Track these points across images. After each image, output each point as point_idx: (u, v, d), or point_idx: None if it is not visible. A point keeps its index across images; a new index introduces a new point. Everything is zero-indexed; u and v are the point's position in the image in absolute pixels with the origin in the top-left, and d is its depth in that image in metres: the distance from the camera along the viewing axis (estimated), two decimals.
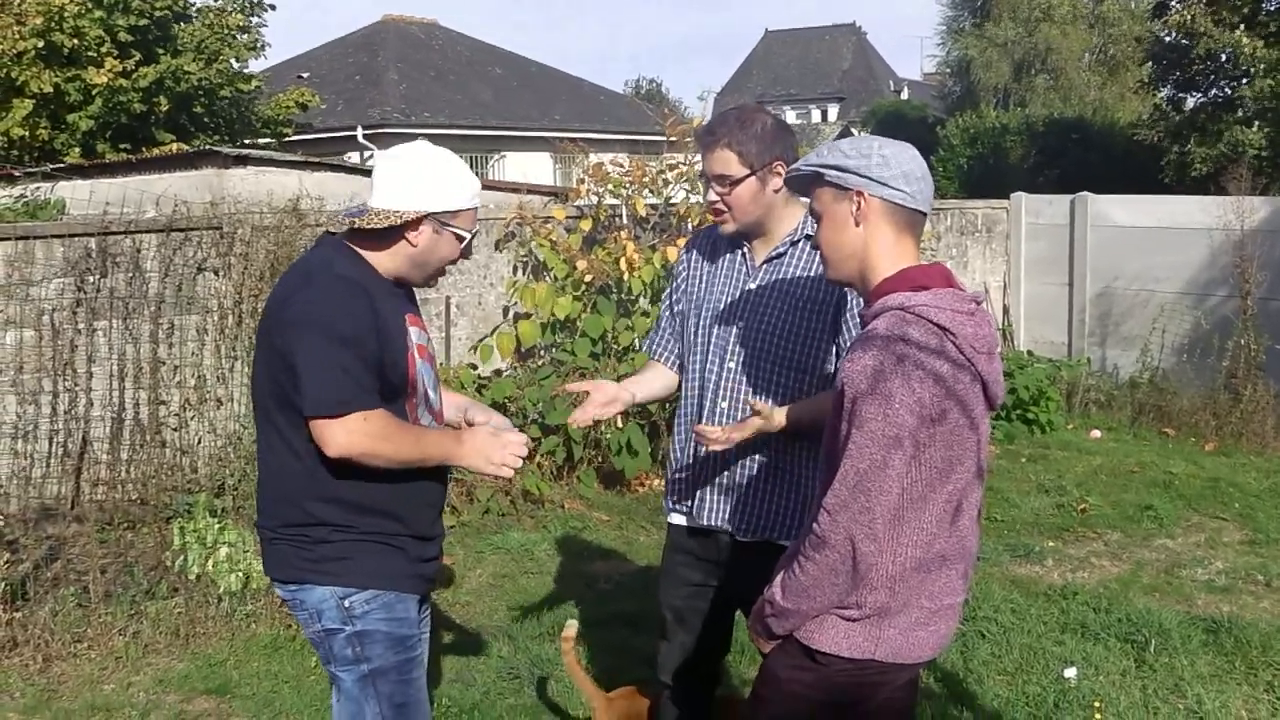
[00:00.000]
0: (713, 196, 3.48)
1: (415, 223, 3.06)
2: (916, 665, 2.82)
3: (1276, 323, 9.90)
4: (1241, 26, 20.03)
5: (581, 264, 8.37)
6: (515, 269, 8.86)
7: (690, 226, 8.69)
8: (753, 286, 3.52)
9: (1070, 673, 5.17)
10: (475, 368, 8.30)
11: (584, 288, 8.44)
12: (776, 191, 3.43)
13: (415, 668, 3.26)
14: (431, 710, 3.47)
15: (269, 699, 5.04)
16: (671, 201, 8.99)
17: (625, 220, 8.91)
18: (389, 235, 3.08)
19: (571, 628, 4.18)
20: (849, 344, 3.27)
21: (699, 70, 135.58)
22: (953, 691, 5.02)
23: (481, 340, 8.60)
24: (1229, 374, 9.99)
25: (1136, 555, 7.01)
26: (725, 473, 3.52)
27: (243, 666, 5.34)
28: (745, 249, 3.58)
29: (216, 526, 6.12)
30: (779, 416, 3.33)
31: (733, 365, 3.51)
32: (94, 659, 5.35)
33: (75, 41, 15.89)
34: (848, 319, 3.38)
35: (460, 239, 3.15)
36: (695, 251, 3.76)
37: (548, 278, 8.63)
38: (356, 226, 3.06)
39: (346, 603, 3.11)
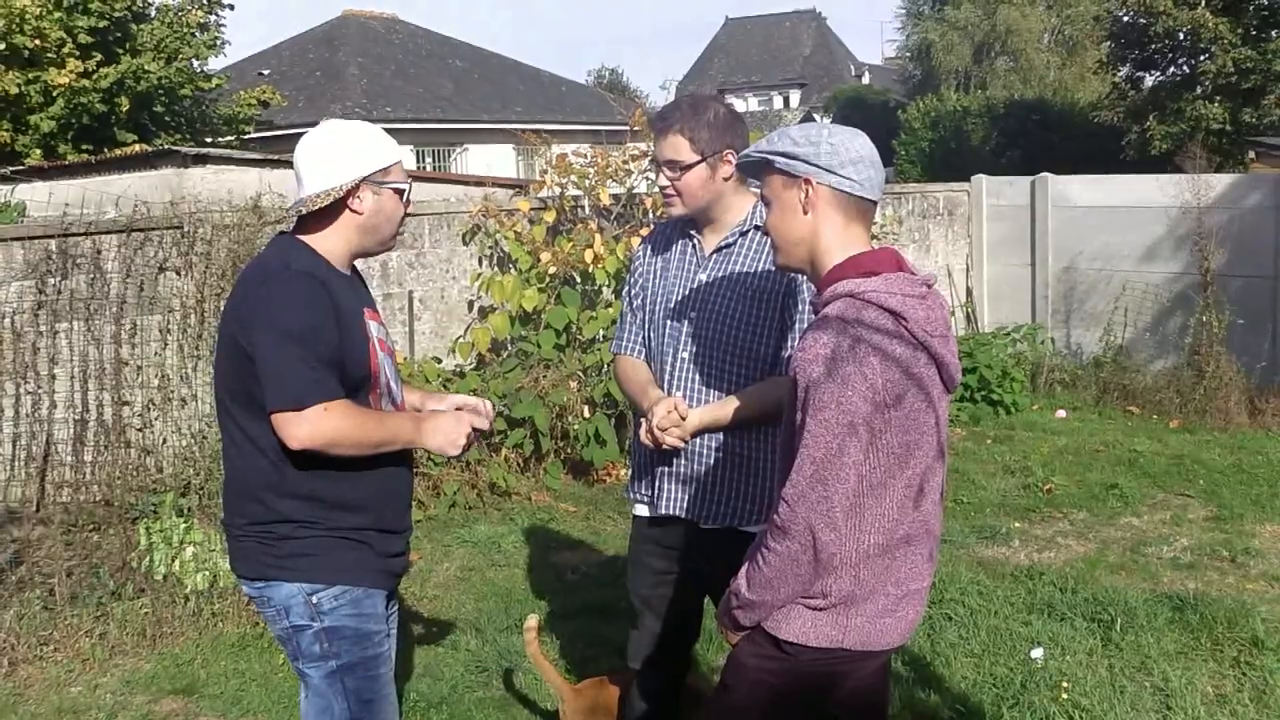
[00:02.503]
0: (663, 181, 3.51)
1: (354, 190, 3.10)
2: (885, 652, 2.83)
3: (1236, 298, 9.98)
4: (1202, 3, 20.22)
5: (545, 256, 8.36)
6: (480, 260, 8.84)
7: (654, 217, 8.68)
8: (704, 277, 3.54)
9: (1037, 653, 5.20)
10: (439, 361, 8.28)
11: (548, 279, 8.43)
12: (726, 179, 3.46)
13: (382, 663, 3.26)
14: (400, 704, 3.47)
15: (237, 697, 5.03)
16: (635, 191, 8.98)
17: (588, 211, 8.89)
18: (333, 214, 3.12)
19: (533, 619, 4.18)
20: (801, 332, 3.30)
21: (660, 59, 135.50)
22: (920, 674, 5.05)
23: (457, 340, 8.56)
24: (1191, 351, 10.08)
25: (1102, 534, 7.06)
26: (683, 462, 3.53)
27: (210, 666, 5.31)
28: (695, 240, 3.60)
29: (182, 526, 6.09)
30: (688, 427, 3.37)
31: (685, 356, 3.53)
32: (60, 662, 5.31)
33: (36, 43, 15.74)
34: (799, 308, 3.39)
35: (399, 192, 3.19)
36: (649, 246, 3.78)
37: (512, 270, 8.61)
38: (302, 214, 3.10)
39: (314, 599, 3.11)
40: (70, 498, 6.73)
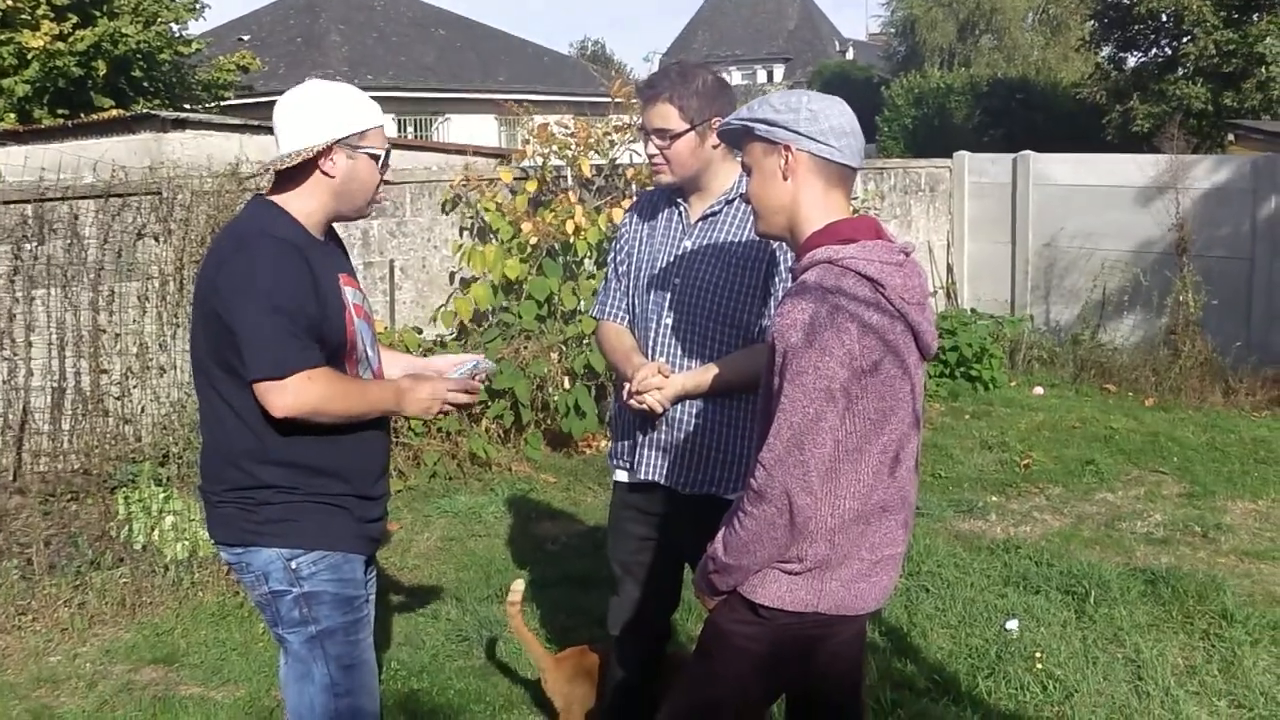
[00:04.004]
0: (652, 150, 3.52)
1: (326, 152, 3.07)
2: (860, 617, 2.85)
3: (1213, 279, 10.04)
4: None
5: (527, 226, 8.34)
6: (461, 230, 8.82)
7: (635, 189, 8.67)
8: (689, 244, 3.55)
9: (1012, 625, 5.26)
10: (420, 331, 8.26)
11: (529, 250, 8.41)
12: (715, 147, 3.47)
13: (362, 628, 3.27)
14: (380, 672, 3.48)
15: (217, 666, 5.04)
16: (617, 162, 8.97)
17: (570, 182, 8.88)
18: (305, 175, 3.09)
19: (517, 591, 4.20)
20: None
21: (644, 31, 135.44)
22: (897, 645, 5.09)
23: (439, 309, 8.54)
24: (1168, 330, 10.15)
25: (1078, 509, 7.12)
26: (663, 428, 3.55)
27: (190, 635, 5.32)
28: (682, 208, 3.61)
29: (161, 495, 6.08)
30: (669, 391, 3.39)
31: (669, 322, 3.54)
32: (39, 631, 5.31)
33: (9, 4, 15.56)
34: (778, 276, 3.41)
35: (375, 158, 3.16)
36: (635, 214, 3.80)
37: (493, 240, 8.59)
38: (277, 170, 3.07)
39: (293, 564, 3.11)
40: (48, 467, 6.71)
